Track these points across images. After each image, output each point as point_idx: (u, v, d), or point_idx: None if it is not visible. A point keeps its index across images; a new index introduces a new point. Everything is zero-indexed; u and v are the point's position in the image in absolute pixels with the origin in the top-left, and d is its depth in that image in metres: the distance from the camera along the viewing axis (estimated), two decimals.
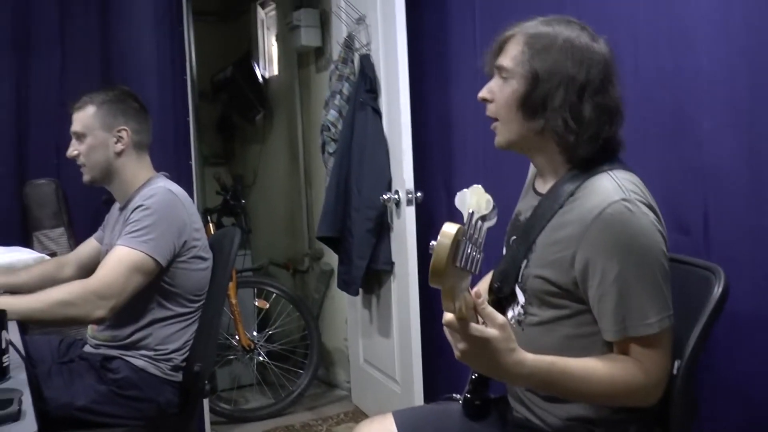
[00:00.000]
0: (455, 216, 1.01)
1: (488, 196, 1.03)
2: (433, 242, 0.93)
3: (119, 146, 1.98)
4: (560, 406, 1.30)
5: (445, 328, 1.10)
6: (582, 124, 1.25)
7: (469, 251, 0.95)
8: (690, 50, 1.75)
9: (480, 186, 1.10)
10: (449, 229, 0.93)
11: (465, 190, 1.06)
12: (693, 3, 1.73)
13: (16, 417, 1.08)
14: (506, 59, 1.30)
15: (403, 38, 2.69)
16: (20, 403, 1.11)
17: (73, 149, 2.00)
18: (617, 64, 1.31)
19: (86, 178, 2.02)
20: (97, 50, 2.86)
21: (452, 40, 2.76)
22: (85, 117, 1.98)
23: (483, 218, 0.99)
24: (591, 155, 1.28)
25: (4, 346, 1.28)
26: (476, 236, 0.97)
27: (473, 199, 1.00)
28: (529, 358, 1.13)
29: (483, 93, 1.35)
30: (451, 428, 1.45)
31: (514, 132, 1.32)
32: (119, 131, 1.98)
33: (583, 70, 1.24)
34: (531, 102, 1.27)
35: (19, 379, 1.28)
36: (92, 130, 1.97)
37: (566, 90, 1.24)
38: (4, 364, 1.28)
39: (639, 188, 1.24)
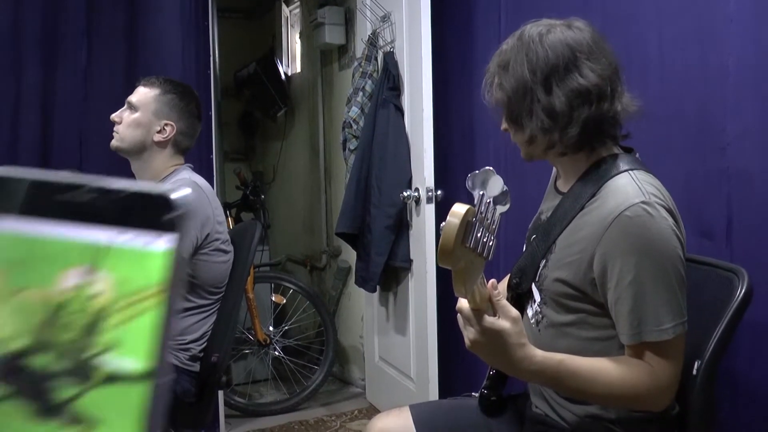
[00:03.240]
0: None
1: (500, 179, 1.01)
2: (443, 223, 0.92)
3: (159, 137, 2.00)
4: (579, 406, 1.30)
5: (458, 315, 1.10)
6: (555, 118, 1.24)
7: (479, 234, 0.94)
8: (717, 50, 1.73)
9: (491, 168, 1.09)
10: (459, 209, 0.91)
11: (476, 171, 1.05)
12: (721, 2, 1.72)
13: None
14: (496, 92, 1.33)
15: (427, 36, 2.70)
16: None
17: (119, 115, 2.02)
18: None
19: (114, 143, 2.02)
20: (122, 45, 2.89)
21: (477, 39, 2.76)
22: (145, 93, 2.01)
23: (495, 201, 0.98)
24: (580, 137, 1.25)
25: None
26: (488, 220, 0.95)
27: (483, 181, 0.99)
28: (539, 354, 1.13)
29: (503, 127, 1.39)
30: (467, 423, 1.46)
31: (525, 147, 1.35)
32: (166, 124, 2.01)
33: (539, 66, 1.24)
34: (514, 120, 1.31)
35: None
36: (144, 109, 2.00)
37: (532, 94, 1.25)
38: None
39: (659, 191, 1.23)
